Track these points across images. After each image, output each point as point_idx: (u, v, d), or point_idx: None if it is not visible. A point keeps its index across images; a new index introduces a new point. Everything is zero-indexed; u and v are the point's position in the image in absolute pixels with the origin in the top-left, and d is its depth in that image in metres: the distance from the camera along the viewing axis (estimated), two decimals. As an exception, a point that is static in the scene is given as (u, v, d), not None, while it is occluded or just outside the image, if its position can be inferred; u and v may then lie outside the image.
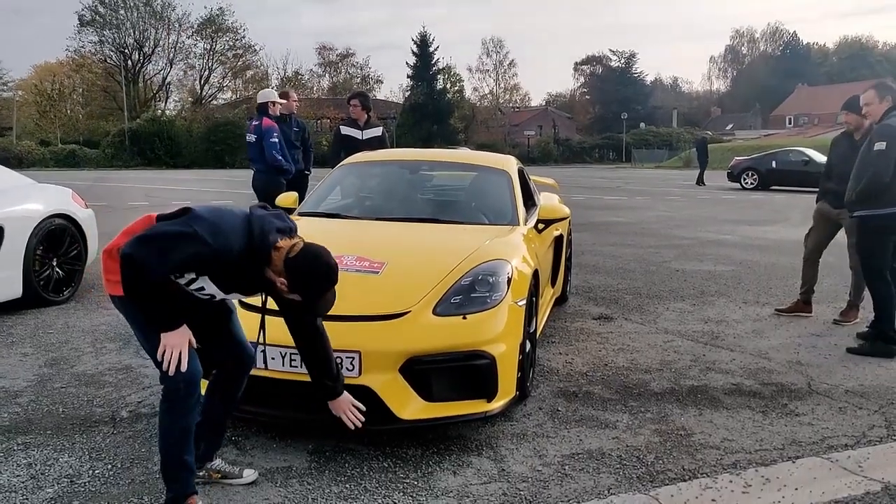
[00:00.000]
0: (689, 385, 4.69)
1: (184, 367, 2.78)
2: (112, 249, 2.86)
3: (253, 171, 8.13)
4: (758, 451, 3.69)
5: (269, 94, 8.23)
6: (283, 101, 8.23)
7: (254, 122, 8.08)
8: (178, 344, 2.77)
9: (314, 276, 2.82)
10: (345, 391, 3.30)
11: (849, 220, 5.82)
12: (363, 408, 3.31)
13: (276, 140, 7.83)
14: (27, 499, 3.08)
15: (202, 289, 2.86)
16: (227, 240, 2.71)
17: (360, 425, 3.28)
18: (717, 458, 3.61)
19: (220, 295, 2.94)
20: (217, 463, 3.26)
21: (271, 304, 3.15)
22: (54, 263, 6.48)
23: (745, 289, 7.79)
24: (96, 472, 3.32)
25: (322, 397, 3.30)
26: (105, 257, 2.88)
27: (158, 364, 2.80)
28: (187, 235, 2.68)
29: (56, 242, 6.49)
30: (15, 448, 3.57)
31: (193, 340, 2.89)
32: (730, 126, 77.48)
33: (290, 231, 2.88)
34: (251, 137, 7.98)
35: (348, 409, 3.29)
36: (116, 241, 2.87)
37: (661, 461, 3.57)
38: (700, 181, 28.39)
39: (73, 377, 4.62)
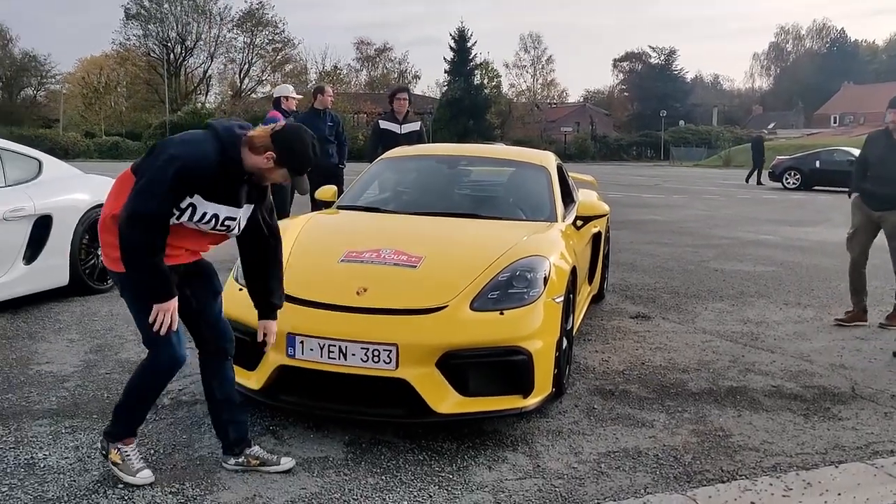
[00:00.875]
0: (727, 386, 4.63)
1: (174, 328, 2.98)
2: (105, 220, 3.00)
3: None
4: (799, 455, 3.63)
5: (283, 90, 8.48)
6: (297, 97, 8.40)
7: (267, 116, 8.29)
8: (168, 308, 2.94)
9: (300, 139, 3.02)
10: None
11: (891, 223, 5.69)
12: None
13: None
14: (74, 480, 3.16)
15: (204, 215, 2.97)
16: (200, 146, 2.91)
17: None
18: (757, 460, 3.57)
19: (221, 213, 3.01)
20: (255, 450, 3.31)
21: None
22: (99, 253, 6.61)
23: (786, 290, 7.67)
24: (140, 455, 3.38)
25: (261, 314, 3.35)
26: (102, 231, 3.01)
27: (148, 337, 3.02)
28: (166, 162, 2.85)
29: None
30: (63, 431, 3.66)
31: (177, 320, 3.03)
32: (772, 125, 76.06)
33: (250, 127, 3.07)
34: None
35: (273, 334, 3.34)
36: (106, 212, 3.00)
37: (698, 461, 3.53)
38: (753, 179, 27.92)
39: (117, 364, 4.72)
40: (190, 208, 2.94)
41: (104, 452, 3.18)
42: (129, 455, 3.15)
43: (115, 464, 3.14)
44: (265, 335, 3.35)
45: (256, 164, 2.97)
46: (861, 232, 6.17)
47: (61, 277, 6.17)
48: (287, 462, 3.32)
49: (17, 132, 38.62)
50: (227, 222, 3.07)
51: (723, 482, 3.33)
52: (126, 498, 3.02)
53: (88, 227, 6.39)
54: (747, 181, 28.07)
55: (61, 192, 6.31)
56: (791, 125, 75.31)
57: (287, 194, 8.14)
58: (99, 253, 6.55)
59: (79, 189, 6.56)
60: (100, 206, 6.49)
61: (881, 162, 5.81)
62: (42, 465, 3.28)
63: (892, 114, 5.89)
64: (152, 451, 3.44)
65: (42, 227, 5.97)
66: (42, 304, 6.02)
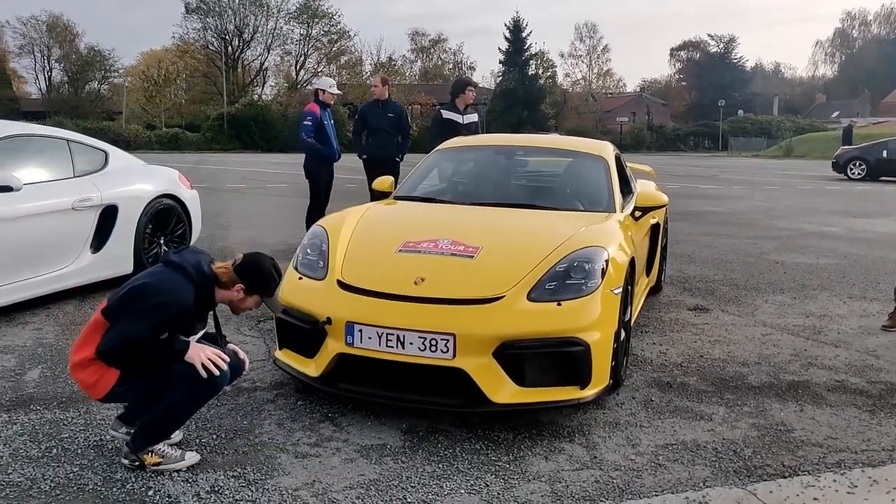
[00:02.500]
0: (789, 380, 4.53)
1: (224, 366, 3.12)
2: (75, 365, 3.11)
3: None
4: (864, 452, 3.54)
5: (322, 82, 8.54)
6: (336, 93, 8.45)
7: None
8: (202, 352, 3.08)
9: (260, 267, 3.21)
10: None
11: None
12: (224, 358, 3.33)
13: (309, 123, 8.07)
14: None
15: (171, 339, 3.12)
16: (178, 293, 3.05)
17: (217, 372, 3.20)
18: (820, 455, 3.49)
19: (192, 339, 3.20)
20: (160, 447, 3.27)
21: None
22: (162, 242, 6.79)
23: (851, 283, 7.45)
24: (203, 440, 3.48)
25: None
26: (76, 373, 3.11)
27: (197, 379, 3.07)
28: (149, 309, 3.00)
29: (163, 222, 6.79)
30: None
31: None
32: (835, 114, 73.72)
33: (210, 257, 3.28)
34: None
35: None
36: (76, 357, 3.11)
37: (758, 456, 3.47)
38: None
39: (179, 350, 4.84)
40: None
41: (137, 464, 3.17)
42: (163, 450, 3.20)
43: (155, 465, 3.16)
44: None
45: (228, 297, 3.21)
46: None
47: (126, 266, 6.35)
48: (191, 457, 3.27)
49: (83, 125, 39.83)
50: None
51: (784, 477, 3.26)
52: (190, 480, 3.11)
53: (152, 216, 6.57)
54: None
55: (126, 182, 6.48)
56: (856, 114, 72.70)
57: (321, 187, 8.27)
58: (161, 242, 6.75)
59: (142, 180, 6.74)
60: (163, 195, 6.71)
61: None
62: (110, 448, 3.39)
63: None
64: (214, 437, 3.53)
65: (108, 217, 6.16)
66: (108, 292, 6.19)
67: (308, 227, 8.28)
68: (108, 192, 6.17)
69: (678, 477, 3.25)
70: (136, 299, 3.05)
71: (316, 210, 8.20)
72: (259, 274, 3.20)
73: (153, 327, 3.00)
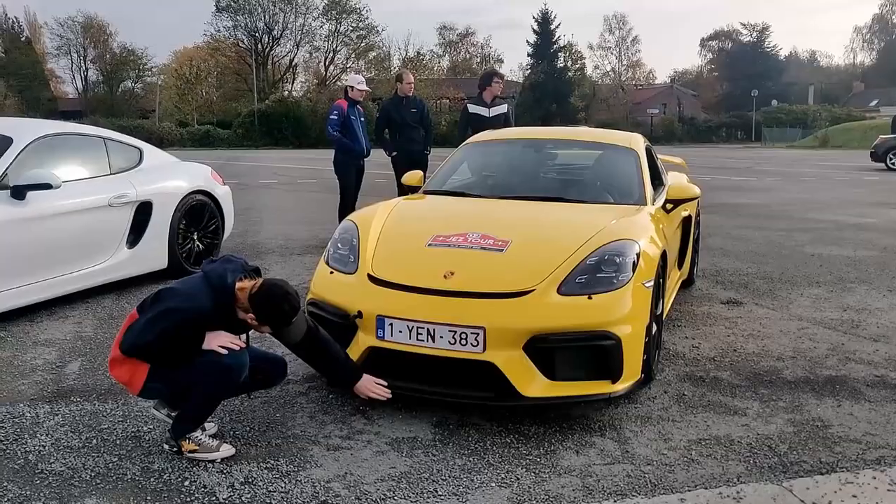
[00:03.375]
0: (826, 375, 4.46)
1: (242, 345, 3.23)
2: (112, 362, 3.29)
3: None
4: (904, 447, 3.48)
5: (352, 79, 8.67)
6: (364, 89, 8.55)
7: None
8: (217, 339, 3.17)
9: (273, 304, 3.19)
10: (363, 374, 3.57)
11: None
12: (385, 383, 3.53)
13: (335, 117, 8.29)
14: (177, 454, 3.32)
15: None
16: (196, 296, 3.15)
17: (389, 395, 3.48)
18: (859, 452, 3.43)
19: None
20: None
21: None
22: (195, 237, 6.88)
23: (891, 276, 7.31)
24: (236, 433, 3.53)
25: (345, 387, 3.57)
26: (113, 370, 3.27)
27: (215, 362, 3.16)
28: (164, 313, 3.11)
29: (197, 217, 6.87)
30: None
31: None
32: (874, 102, 72.26)
33: (243, 268, 3.29)
34: None
35: (374, 387, 3.52)
36: (112, 354, 3.29)
37: (794, 452, 3.43)
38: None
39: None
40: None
41: (176, 450, 3.27)
42: (200, 438, 3.28)
43: (192, 452, 3.24)
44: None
45: (244, 319, 3.24)
46: None
47: (161, 261, 6.45)
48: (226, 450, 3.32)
49: (118, 123, 40.39)
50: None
51: (822, 474, 3.22)
52: (224, 472, 3.15)
53: (185, 212, 6.65)
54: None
55: (160, 179, 6.58)
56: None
57: (349, 182, 8.36)
58: (195, 237, 6.84)
59: (176, 176, 6.83)
60: (196, 192, 6.79)
61: None
62: (147, 439, 3.46)
63: None
64: (248, 429, 3.57)
65: (143, 214, 6.26)
66: (143, 287, 6.30)
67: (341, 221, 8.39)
68: (143, 188, 6.27)
69: (711, 472, 3.22)
70: (159, 301, 3.19)
71: (346, 205, 8.28)
72: (268, 310, 3.20)
73: (163, 330, 3.08)
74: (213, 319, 3.19)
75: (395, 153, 8.55)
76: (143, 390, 3.23)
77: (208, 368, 3.14)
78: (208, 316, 3.16)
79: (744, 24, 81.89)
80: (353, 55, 67.05)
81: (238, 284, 3.20)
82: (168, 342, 3.10)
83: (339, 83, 63.23)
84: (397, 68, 55.50)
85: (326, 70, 66.25)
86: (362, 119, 8.50)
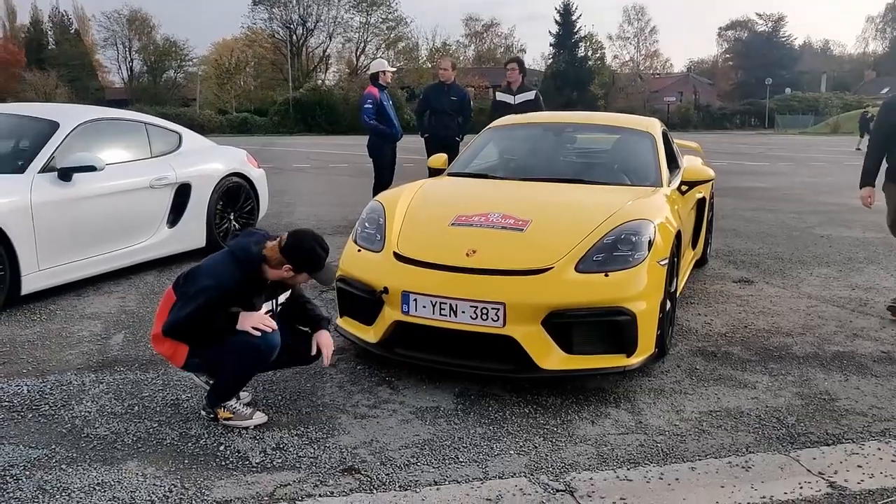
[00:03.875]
0: (833, 350, 4.39)
1: (274, 326, 3.18)
2: (155, 337, 3.29)
3: None
4: (910, 421, 3.40)
5: (378, 64, 8.55)
6: (392, 70, 8.55)
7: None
8: (249, 320, 3.14)
9: (306, 248, 3.17)
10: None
11: None
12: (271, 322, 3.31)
13: (370, 105, 8.15)
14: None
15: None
16: (221, 273, 3.14)
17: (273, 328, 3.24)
18: (865, 424, 3.37)
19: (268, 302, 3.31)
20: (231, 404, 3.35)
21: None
22: (231, 217, 6.90)
23: (898, 257, 7.15)
24: (269, 401, 3.55)
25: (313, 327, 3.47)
26: (157, 345, 3.28)
27: (249, 342, 3.14)
28: (197, 293, 3.10)
29: (233, 198, 6.89)
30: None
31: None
32: (885, 90, 70.19)
33: (265, 237, 3.28)
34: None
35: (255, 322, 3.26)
36: (154, 331, 3.29)
37: (802, 424, 3.37)
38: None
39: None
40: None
41: (212, 416, 3.30)
42: (235, 407, 3.29)
43: (226, 419, 3.27)
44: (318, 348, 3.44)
45: (280, 276, 3.20)
46: None
47: (199, 240, 6.48)
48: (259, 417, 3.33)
49: (161, 111, 40.60)
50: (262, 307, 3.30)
51: (828, 445, 3.17)
52: (258, 437, 3.17)
53: (222, 194, 6.68)
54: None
55: (198, 162, 6.60)
56: (906, 90, 69.66)
57: (385, 165, 8.32)
58: (231, 217, 6.86)
59: (214, 159, 6.85)
60: (232, 174, 6.81)
61: None
62: (185, 406, 3.48)
63: None
64: (280, 398, 3.59)
65: (182, 195, 6.28)
66: (183, 264, 6.32)
67: None
68: (183, 171, 6.29)
69: (721, 442, 3.18)
70: (190, 281, 3.20)
71: (381, 187, 8.24)
72: (302, 253, 3.16)
73: (199, 307, 3.07)
74: (244, 290, 3.18)
75: (427, 135, 8.49)
76: (185, 364, 3.26)
77: (241, 348, 3.13)
78: (238, 288, 3.15)
79: (759, 15, 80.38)
80: (382, 45, 66.81)
81: (265, 248, 3.18)
82: (203, 321, 3.10)
83: (366, 73, 63.13)
84: (424, 58, 55.34)
85: (358, 60, 66.04)
86: (391, 103, 8.45)
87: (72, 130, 5.49)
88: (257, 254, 3.17)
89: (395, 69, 8.61)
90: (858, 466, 2.97)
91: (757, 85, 66.72)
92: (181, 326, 3.11)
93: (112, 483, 2.78)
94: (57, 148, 5.31)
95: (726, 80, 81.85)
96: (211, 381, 3.34)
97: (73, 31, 62.75)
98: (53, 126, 5.45)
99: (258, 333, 3.13)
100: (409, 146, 9.30)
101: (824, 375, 3.99)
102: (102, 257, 5.58)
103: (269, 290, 3.32)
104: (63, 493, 2.70)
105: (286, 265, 3.15)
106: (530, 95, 8.08)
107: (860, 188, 5.21)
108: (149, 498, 2.69)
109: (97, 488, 2.74)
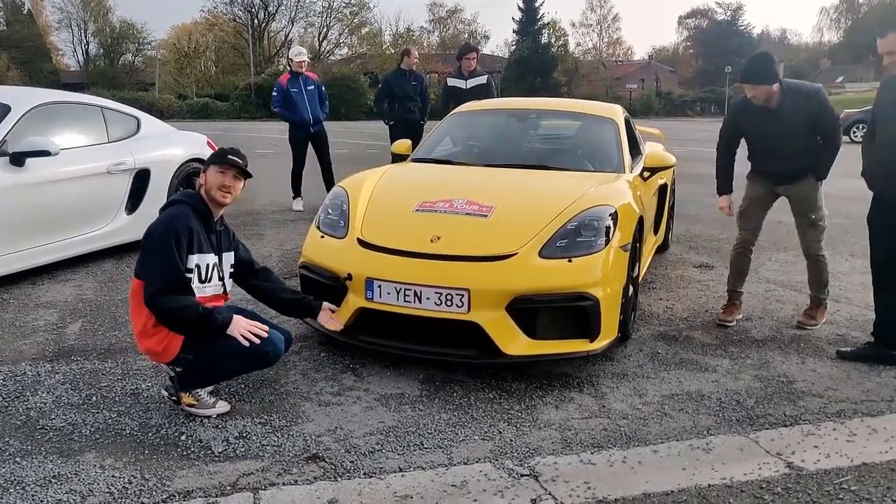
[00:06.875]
0: (791, 334, 4.47)
1: (265, 333, 3.14)
2: (140, 335, 3.20)
3: None
4: (864, 402, 3.49)
5: (292, 52, 8.90)
6: (305, 59, 8.64)
7: None
8: (241, 325, 3.11)
9: (222, 149, 3.39)
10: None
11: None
12: (264, 328, 3.25)
13: (275, 94, 8.49)
14: (174, 409, 3.28)
15: (199, 270, 3.17)
16: (172, 214, 3.17)
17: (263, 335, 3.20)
18: (821, 406, 3.44)
19: (209, 262, 3.24)
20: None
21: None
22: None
23: (853, 241, 7.32)
24: (231, 390, 3.49)
25: (313, 313, 3.57)
26: (143, 342, 3.18)
27: (251, 350, 3.12)
28: (159, 240, 3.08)
29: (194, 184, 6.73)
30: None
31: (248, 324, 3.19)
32: (840, 79, 72.19)
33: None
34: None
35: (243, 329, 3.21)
36: (138, 326, 3.20)
37: (761, 406, 3.43)
38: None
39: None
40: (195, 269, 3.15)
41: (174, 399, 3.25)
42: (199, 394, 3.23)
43: (189, 405, 3.21)
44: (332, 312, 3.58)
45: (209, 186, 3.25)
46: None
47: (159, 226, 6.35)
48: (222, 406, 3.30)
49: (119, 95, 39.65)
50: (215, 271, 3.27)
51: (786, 426, 3.23)
52: (220, 426, 3.12)
53: (182, 179, 6.54)
54: None
55: (158, 147, 6.45)
56: (860, 78, 71.19)
57: (298, 153, 8.62)
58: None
59: (173, 144, 6.71)
60: (193, 160, 6.67)
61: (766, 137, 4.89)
62: (146, 395, 3.42)
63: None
64: (243, 387, 3.54)
65: (141, 180, 6.14)
66: (143, 251, 6.21)
67: (294, 189, 8.65)
68: (141, 156, 6.15)
69: (683, 425, 3.22)
70: (148, 240, 3.14)
71: (295, 175, 8.72)
72: (221, 150, 3.35)
73: (171, 253, 3.03)
74: (197, 227, 3.18)
75: (392, 122, 8.56)
76: (174, 360, 3.16)
77: (244, 350, 3.09)
78: (192, 221, 3.15)
79: (719, 3, 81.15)
80: (346, 30, 66.11)
81: (198, 181, 3.31)
82: (175, 264, 3.04)
83: (332, 57, 62.55)
84: (388, 44, 54.90)
85: (320, 45, 65.26)
86: (309, 88, 8.53)
87: (24, 114, 5.31)
88: (194, 187, 3.35)
89: (305, 59, 8.70)
90: (815, 447, 3.03)
91: (716, 73, 67.60)
92: (159, 280, 3.02)
93: (69, 475, 2.71)
94: (8, 132, 5.13)
95: (687, 68, 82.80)
96: (178, 370, 3.26)
97: (25, 12, 60.81)
98: (4, 109, 5.27)
99: (256, 340, 3.10)
100: (372, 132, 9.25)
101: (782, 358, 4.06)
102: (58, 245, 5.43)
103: (216, 236, 3.29)
104: (17, 487, 2.63)
105: (216, 170, 3.25)
106: (482, 80, 8.12)
107: (719, 196, 5.08)
108: (107, 490, 2.63)
109: (53, 481, 2.68)
